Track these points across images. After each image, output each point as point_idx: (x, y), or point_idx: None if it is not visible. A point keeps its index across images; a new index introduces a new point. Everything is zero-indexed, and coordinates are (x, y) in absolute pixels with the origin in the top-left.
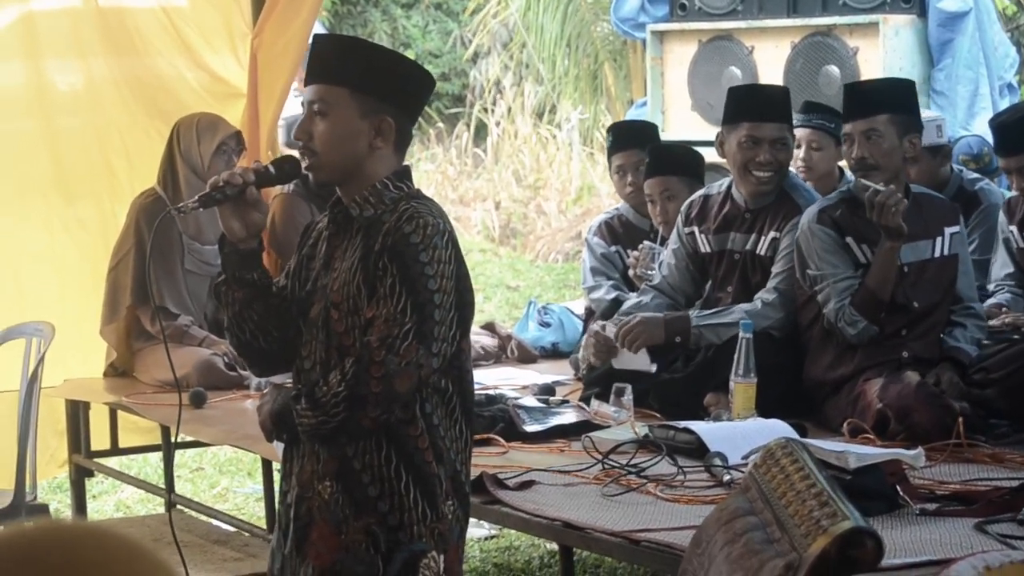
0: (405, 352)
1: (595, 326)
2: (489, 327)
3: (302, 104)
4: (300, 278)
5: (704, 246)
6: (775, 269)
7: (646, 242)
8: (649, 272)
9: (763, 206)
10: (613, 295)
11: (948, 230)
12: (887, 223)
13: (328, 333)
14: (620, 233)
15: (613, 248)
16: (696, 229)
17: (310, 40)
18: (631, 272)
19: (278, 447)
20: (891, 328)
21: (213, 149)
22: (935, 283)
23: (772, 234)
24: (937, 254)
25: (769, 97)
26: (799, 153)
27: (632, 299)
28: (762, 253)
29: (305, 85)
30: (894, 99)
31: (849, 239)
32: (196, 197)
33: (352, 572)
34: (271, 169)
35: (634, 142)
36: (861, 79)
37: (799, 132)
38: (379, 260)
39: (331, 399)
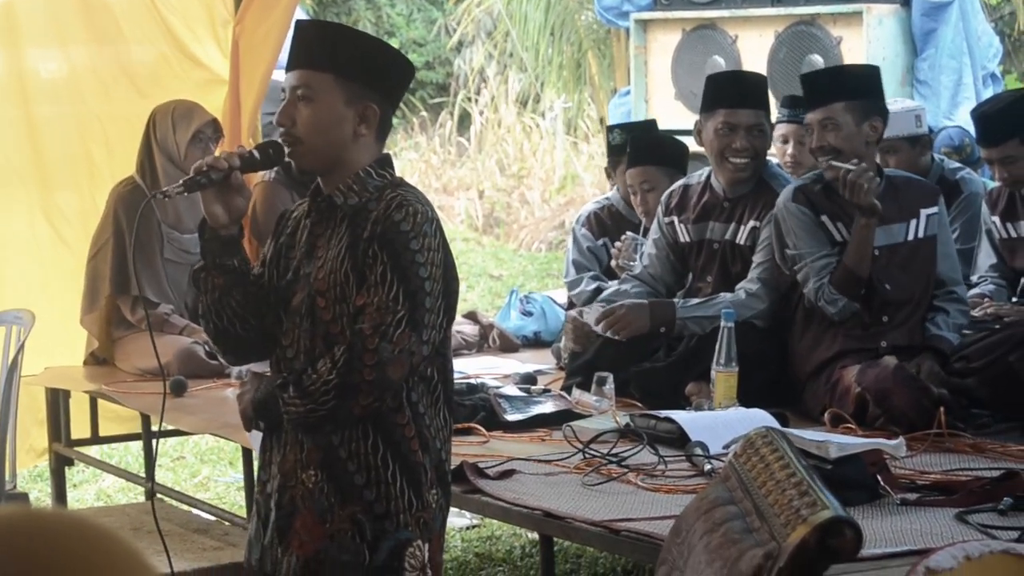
0: (398, 339)
1: (572, 312)
2: (471, 316)
3: (282, 90)
4: (279, 267)
5: (684, 236)
6: (756, 259)
7: (628, 233)
8: (631, 263)
9: (742, 195)
10: (594, 286)
11: (924, 211)
12: (860, 201)
13: (313, 321)
14: (608, 225)
15: (600, 241)
16: (676, 219)
17: (291, 27)
18: (613, 263)
19: (255, 437)
20: (871, 315)
21: (189, 137)
22: (908, 266)
23: (751, 223)
24: (911, 236)
25: (745, 84)
26: (787, 149)
27: (612, 286)
28: (741, 242)
29: (287, 71)
30: (848, 86)
31: (824, 218)
32: (180, 181)
33: (337, 561)
34: (255, 154)
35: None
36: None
37: (786, 128)
38: (368, 248)
39: (321, 387)
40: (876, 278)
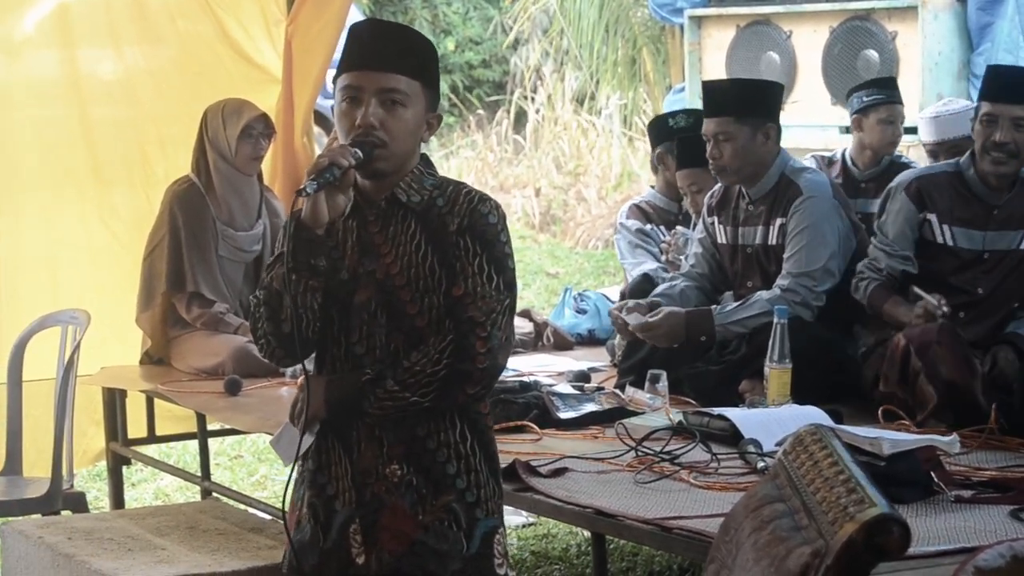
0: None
1: (613, 309)
2: (525, 314)
3: (349, 87)
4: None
5: (722, 237)
6: (786, 253)
7: (679, 227)
8: (680, 257)
9: (763, 196)
10: (646, 268)
11: None
12: (913, 322)
13: (391, 317)
14: (651, 215)
15: (648, 226)
16: (716, 219)
17: (362, 26)
18: (663, 257)
19: (290, 445)
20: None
21: (238, 132)
22: (1008, 274)
23: (779, 221)
24: (1023, 246)
25: (709, 93)
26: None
27: (663, 284)
28: (773, 243)
29: (362, 68)
30: None
31: (932, 216)
32: (312, 179)
33: (436, 551)
34: (359, 152)
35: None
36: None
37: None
38: (459, 239)
39: (424, 378)
40: (972, 282)
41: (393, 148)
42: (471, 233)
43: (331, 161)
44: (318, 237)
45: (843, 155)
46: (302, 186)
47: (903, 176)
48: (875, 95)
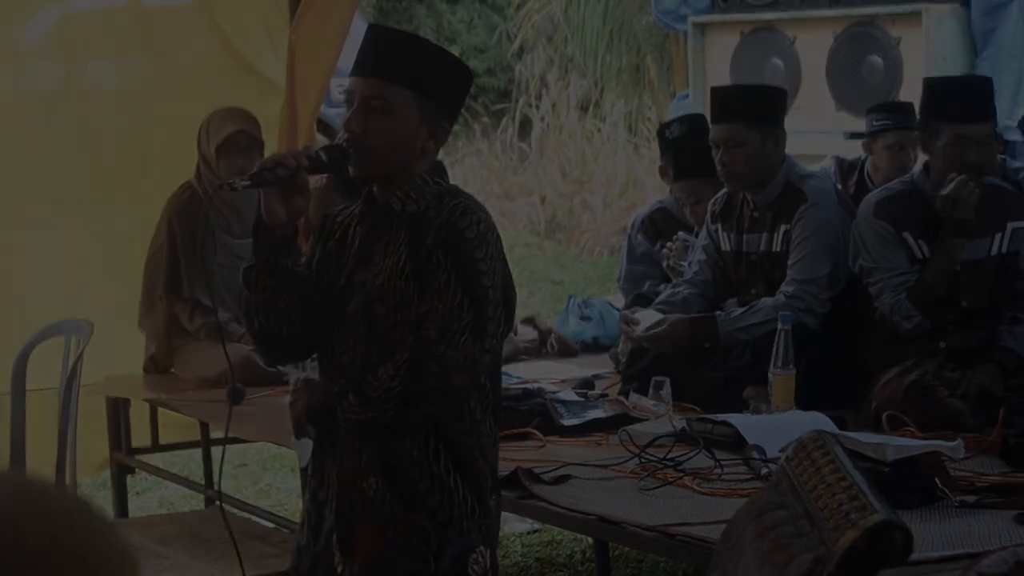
0: (463, 347)
1: (625, 312)
2: (530, 321)
3: (347, 92)
4: (328, 272)
5: (725, 244)
6: (791, 260)
7: (681, 233)
8: (682, 264)
9: (769, 202)
10: (639, 292)
11: (1012, 225)
12: (961, 215)
13: (371, 328)
14: (663, 227)
15: (656, 246)
16: (720, 226)
17: (366, 31)
18: (664, 263)
19: (303, 446)
20: (937, 319)
21: (215, 147)
22: (989, 282)
23: (784, 228)
24: (994, 251)
25: (719, 98)
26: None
27: (666, 292)
28: (778, 250)
29: (358, 75)
30: (993, 102)
31: (906, 234)
32: (248, 175)
33: (403, 569)
34: (323, 156)
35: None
36: (943, 75)
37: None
38: (432, 254)
39: (383, 394)
40: (954, 295)
41: (377, 156)
42: (444, 248)
43: (276, 161)
44: (276, 236)
45: (863, 165)
46: (233, 180)
47: (863, 206)
48: (883, 120)
